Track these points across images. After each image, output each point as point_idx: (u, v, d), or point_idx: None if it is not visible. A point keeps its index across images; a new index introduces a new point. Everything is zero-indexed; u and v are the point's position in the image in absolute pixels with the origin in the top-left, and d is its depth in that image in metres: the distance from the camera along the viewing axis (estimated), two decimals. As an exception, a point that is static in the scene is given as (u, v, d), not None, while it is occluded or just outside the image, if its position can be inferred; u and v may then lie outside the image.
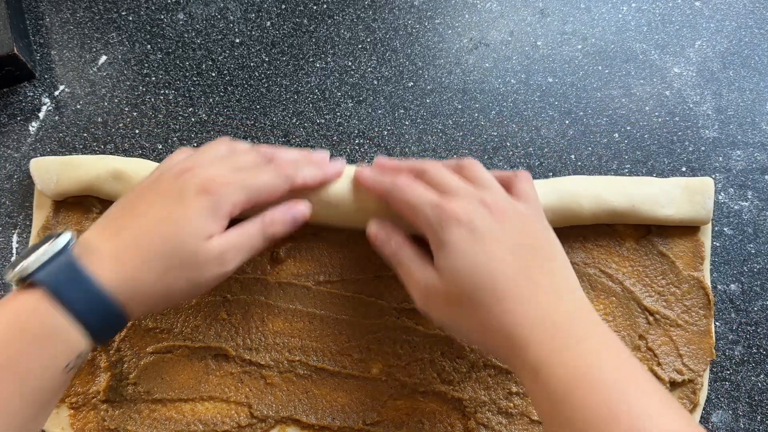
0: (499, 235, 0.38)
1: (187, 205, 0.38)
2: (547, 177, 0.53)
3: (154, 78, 0.56)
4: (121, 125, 0.55)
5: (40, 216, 0.51)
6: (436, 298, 0.39)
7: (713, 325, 0.48)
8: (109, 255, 0.37)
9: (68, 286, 0.35)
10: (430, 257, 0.40)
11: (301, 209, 0.43)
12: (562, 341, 0.35)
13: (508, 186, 0.43)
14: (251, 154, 0.43)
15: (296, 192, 0.44)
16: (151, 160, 0.54)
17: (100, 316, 0.36)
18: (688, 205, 0.48)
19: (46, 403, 0.36)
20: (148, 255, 0.37)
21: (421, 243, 0.42)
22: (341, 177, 0.46)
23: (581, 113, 0.55)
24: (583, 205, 0.47)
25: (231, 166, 0.41)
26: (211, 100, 0.56)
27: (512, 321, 0.36)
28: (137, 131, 0.55)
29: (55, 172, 0.50)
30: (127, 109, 0.55)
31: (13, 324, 0.34)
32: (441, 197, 0.40)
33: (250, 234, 0.41)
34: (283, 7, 0.58)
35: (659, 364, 0.47)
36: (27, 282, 0.35)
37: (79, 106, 0.56)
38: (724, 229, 0.52)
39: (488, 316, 0.36)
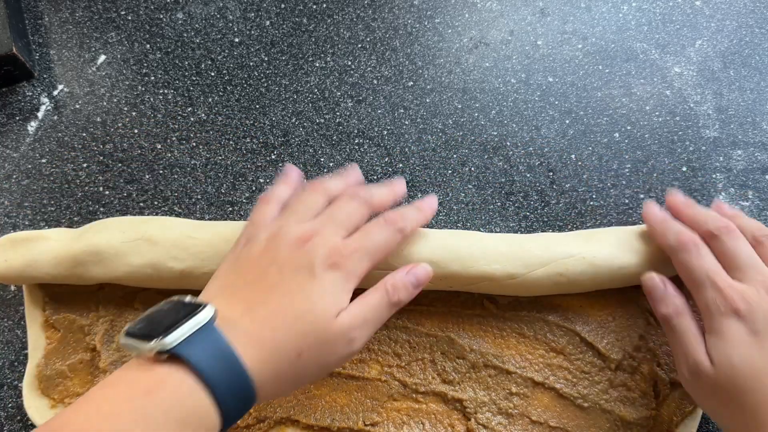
0: None
1: (319, 280, 0.35)
2: (547, 176, 0.53)
3: (153, 77, 0.56)
4: (120, 125, 0.55)
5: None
6: (704, 383, 0.38)
7: (714, 325, 0.48)
8: (247, 334, 0.33)
9: (216, 366, 0.31)
10: (702, 328, 0.39)
11: (424, 271, 0.40)
12: None
13: None
14: (352, 202, 0.41)
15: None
16: (150, 159, 0.54)
17: (238, 401, 0.33)
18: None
19: None
20: (285, 336, 0.34)
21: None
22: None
23: (581, 113, 0.55)
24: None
25: (342, 225, 0.39)
26: (210, 99, 0.56)
27: None
28: (136, 131, 0.55)
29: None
30: (126, 108, 0.55)
31: (169, 409, 0.30)
32: (724, 281, 0.38)
33: (375, 305, 0.37)
34: (283, 6, 0.58)
35: (659, 365, 0.47)
36: (166, 355, 0.31)
37: (78, 106, 0.55)
38: (725, 228, 0.52)
39: (754, 422, 0.35)
